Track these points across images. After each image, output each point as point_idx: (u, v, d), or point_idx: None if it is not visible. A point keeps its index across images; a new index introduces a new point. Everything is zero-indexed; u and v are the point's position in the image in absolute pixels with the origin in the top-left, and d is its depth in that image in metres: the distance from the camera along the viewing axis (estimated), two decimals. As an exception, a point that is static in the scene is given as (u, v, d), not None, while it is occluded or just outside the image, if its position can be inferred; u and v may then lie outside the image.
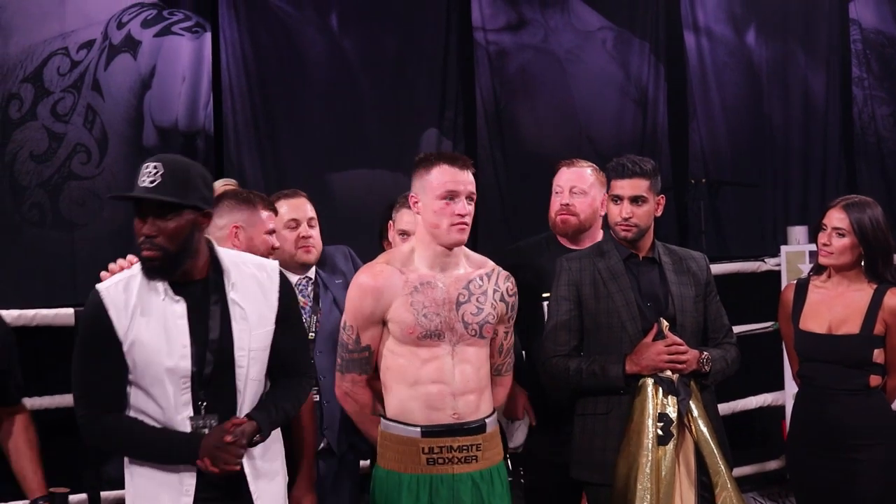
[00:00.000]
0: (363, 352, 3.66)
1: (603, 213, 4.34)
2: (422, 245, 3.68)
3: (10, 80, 5.80)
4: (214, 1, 6.39)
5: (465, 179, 3.64)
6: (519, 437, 4.58)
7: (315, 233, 4.20)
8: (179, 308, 3.13)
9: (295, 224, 4.14)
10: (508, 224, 7.20)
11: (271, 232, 3.88)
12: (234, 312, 3.18)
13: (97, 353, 3.11)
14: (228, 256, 3.26)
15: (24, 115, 5.83)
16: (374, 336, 3.65)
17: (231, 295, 3.19)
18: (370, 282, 3.63)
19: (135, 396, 3.14)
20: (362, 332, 3.64)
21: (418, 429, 3.60)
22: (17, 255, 5.71)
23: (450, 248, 3.65)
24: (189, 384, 3.10)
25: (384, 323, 3.64)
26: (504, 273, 3.80)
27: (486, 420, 3.68)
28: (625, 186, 4.00)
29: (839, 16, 8.99)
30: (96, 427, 3.14)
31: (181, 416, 3.11)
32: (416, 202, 3.66)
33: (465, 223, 3.62)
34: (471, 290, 3.68)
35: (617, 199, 4.01)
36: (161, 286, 3.12)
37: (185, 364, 3.09)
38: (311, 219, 4.19)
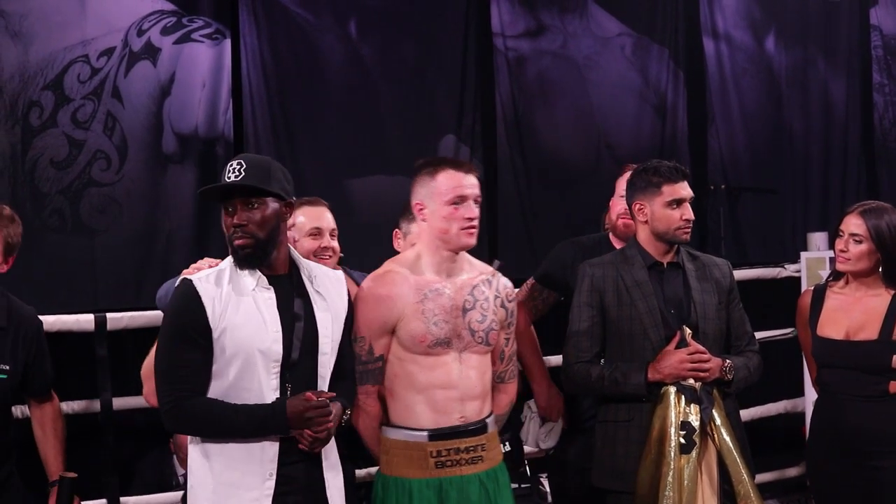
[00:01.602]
0: (377, 362, 3.62)
1: None
2: (429, 251, 3.66)
3: (30, 88, 5.82)
4: (234, 8, 6.41)
5: (472, 183, 3.64)
6: (552, 439, 4.58)
7: (335, 244, 4.16)
8: (270, 296, 3.23)
9: (317, 232, 4.11)
10: (528, 230, 7.18)
11: None
12: (318, 303, 3.31)
13: (188, 339, 3.18)
14: (301, 257, 3.40)
15: (44, 122, 5.85)
16: (386, 345, 3.62)
17: (313, 287, 3.32)
18: (381, 290, 3.60)
19: (215, 387, 3.21)
20: (375, 342, 3.60)
21: (425, 433, 3.59)
22: (37, 262, 5.72)
23: (458, 251, 3.66)
24: (279, 368, 3.21)
25: (393, 331, 3.61)
26: (504, 279, 3.80)
27: (487, 420, 3.69)
28: (684, 189, 3.99)
29: (860, 22, 8.94)
30: (184, 410, 3.19)
31: (268, 399, 3.19)
32: (423, 209, 3.64)
33: (475, 226, 3.62)
34: (475, 297, 3.67)
35: (677, 202, 3.97)
36: (252, 277, 3.23)
37: (278, 347, 3.20)
38: (332, 230, 4.16)
